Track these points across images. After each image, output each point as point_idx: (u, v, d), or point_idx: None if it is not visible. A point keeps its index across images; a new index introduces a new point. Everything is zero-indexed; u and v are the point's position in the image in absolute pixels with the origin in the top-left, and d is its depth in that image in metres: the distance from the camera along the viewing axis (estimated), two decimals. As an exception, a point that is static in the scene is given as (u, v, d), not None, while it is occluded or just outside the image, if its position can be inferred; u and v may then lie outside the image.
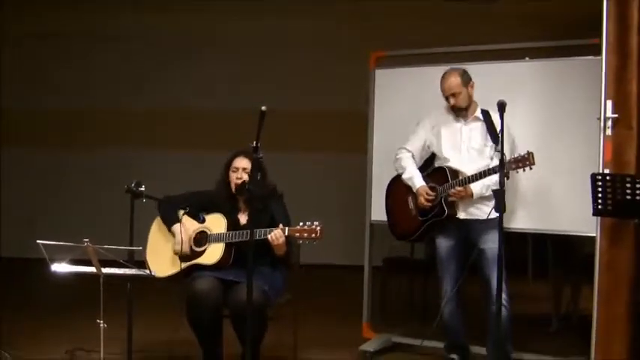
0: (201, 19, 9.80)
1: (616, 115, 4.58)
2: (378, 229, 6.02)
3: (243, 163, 5.04)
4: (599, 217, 4.59)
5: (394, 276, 7.37)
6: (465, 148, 5.16)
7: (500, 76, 5.46)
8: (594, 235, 4.70)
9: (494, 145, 5.04)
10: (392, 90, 5.94)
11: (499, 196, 4.40)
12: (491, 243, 4.94)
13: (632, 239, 4.57)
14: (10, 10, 8.98)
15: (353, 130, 6.76)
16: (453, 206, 5.15)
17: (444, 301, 5.27)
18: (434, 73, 5.40)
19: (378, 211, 5.87)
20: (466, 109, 5.15)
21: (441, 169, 5.20)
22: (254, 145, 4.15)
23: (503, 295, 4.92)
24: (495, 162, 4.99)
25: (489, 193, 5.01)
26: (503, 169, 4.43)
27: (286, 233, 4.67)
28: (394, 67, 6.00)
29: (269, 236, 4.68)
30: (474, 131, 5.16)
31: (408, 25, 9.20)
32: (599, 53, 4.65)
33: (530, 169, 4.72)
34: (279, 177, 5.14)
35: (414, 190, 5.26)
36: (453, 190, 5.05)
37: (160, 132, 10.25)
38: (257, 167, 4.38)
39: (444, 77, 5.16)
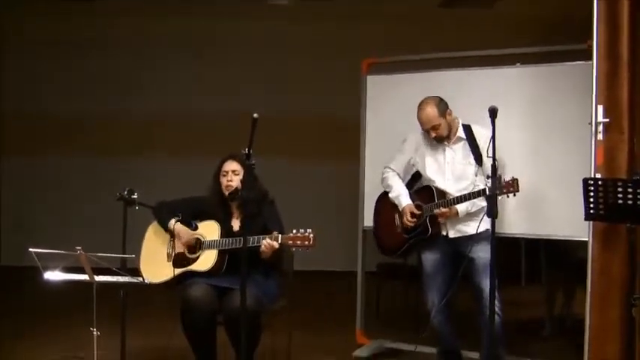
0: (199, 24, 9.83)
1: (607, 120, 4.59)
2: (371, 236, 6.02)
3: (232, 166, 5.05)
4: (591, 222, 4.60)
5: (388, 282, 7.37)
6: (449, 170, 5.16)
7: (492, 82, 5.48)
8: (587, 239, 4.71)
9: (477, 165, 5.05)
10: (384, 96, 5.95)
11: (491, 201, 4.42)
12: (481, 253, 4.95)
13: (625, 243, 4.57)
14: (10, 16, 8.98)
15: (347, 137, 6.76)
16: (437, 225, 5.14)
17: (432, 313, 5.26)
18: (426, 79, 5.42)
19: (371, 218, 5.88)
20: (448, 135, 5.14)
21: (428, 188, 5.21)
22: (246, 151, 4.16)
23: (497, 304, 4.93)
24: (480, 179, 5.01)
25: (475, 209, 5.03)
26: (496, 174, 4.45)
27: (279, 241, 4.67)
28: (386, 73, 6.02)
29: (262, 243, 4.68)
30: (457, 152, 5.15)
31: (400, 31, 9.22)
32: (590, 58, 4.67)
33: (514, 195, 4.72)
34: (273, 183, 5.15)
35: (400, 209, 5.27)
36: (437, 211, 5.05)
37: (157, 136, 10.25)
38: (250, 173, 4.39)
39: (420, 109, 5.10)
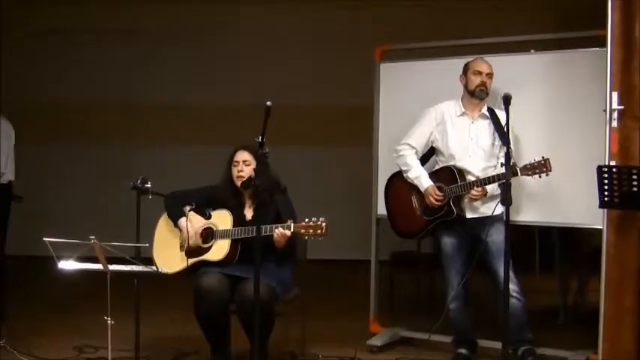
0: (210, 14, 9.84)
1: (622, 107, 4.56)
2: (384, 224, 6.02)
3: (243, 156, 5.05)
4: (605, 210, 4.58)
5: (401, 270, 7.37)
6: (473, 148, 5.14)
7: (506, 69, 5.44)
8: (601, 227, 4.69)
9: (501, 145, 5.02)
10: (397, 83, 5.93)
11: (505, 188, 4.42)
12: (495, 236, 4.95)
13: (639, 231, 4.56)
14: (13, 6, 8.98)
15: (359, 124, 6.75)
16: (460, 206, 5.12)
17: (450, 297, 5.26)
18: (439, 66, 5.39)
19: (384, 206, 5.88)
20: (484, 97, 5.11)
21: (448, 168, 5.16)
22: (259, 140, 4.15)
23: (515, 287, 4.94)
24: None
25: (498, 191, 4.97)
26: (510, 162, 4.44)
27: (292, 229, 4.66)
28: (399, 60, 6.00)
29: (275, 232, 4.68)
30: (481, 130, 5.14)
31: (413, 18, 9.20)
32: (605, 45, 4.64)
33: (547, 175, 4.71)
34: (285, 172, 5.15)
35: (422, 190, 5.21)
36: (474, 192, 4.99)
37: (164, 127, 10.24)
38: (263, 162, 4.39)
39: (478, 59, 5.15)
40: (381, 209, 5.93)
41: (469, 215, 5.13)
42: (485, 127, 5.13)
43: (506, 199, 4.40)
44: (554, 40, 5.73)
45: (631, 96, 4.56)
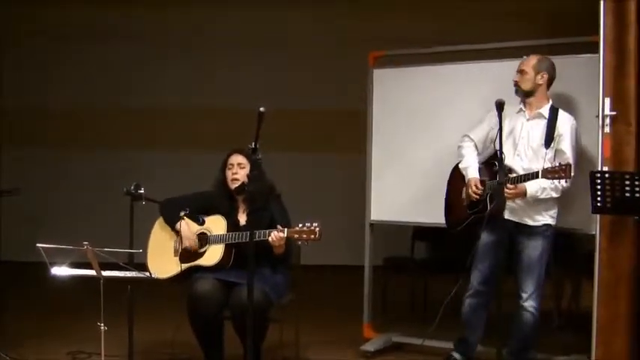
0: (201, 16, 9.85)
1: (614, 113, 4.58)
2: (378, 229, 6.02)
3: (238, 159, 5.07)
4: (598, 215, 4.59)
5: (395, 275, 7.36)
6: (522, 146, 4.98)
7: (499, 75, 5.44)
8: (594, 232, 4.70)
9: (551, 147, 4.90)
10: (391, 89, 5.93)
11: (497, 192, 4.42)
12: (529, 249, 4.89)
13: (632, 236, 4.58)
14: (10, 9, 8.99)
15: (355, 129, 6.75)
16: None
17: (466, 294, 5.21)
18: (432, 72, 5.38)
19: (377, 211, 5.89)
20: (528, 95, 4.96)
21: (493, 163, 5.02)
22: (252, 146, 4.15)
23: (533, 304, 4.89)
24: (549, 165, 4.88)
25: (544, 196, 4.83)
26: (502, 164, 4.44)
27: (285, 234, 4.66)
28: (393, 66, 6.00)
29: (269, 238, 4.67)
30: (534, 129, 4.96)
31: (407, 23, 9.21)
32: (597, 51, 4.65)
33: (566, 182, 4.59)
34: (279, 177, 5.14)
35: (466, 181, 5.11)
36: (507, 190, 4.75)
37: (161, 131, 10.21)
38: (256, 168, 4.39)
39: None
40: (374, 215, 5.94)
41: (507, 216, 4.85)
42: (540, 126, 4.95)
43: (499, 204, 4.40)
44: (547, 46, 5.73)
45: (623, 102, 4.58)
